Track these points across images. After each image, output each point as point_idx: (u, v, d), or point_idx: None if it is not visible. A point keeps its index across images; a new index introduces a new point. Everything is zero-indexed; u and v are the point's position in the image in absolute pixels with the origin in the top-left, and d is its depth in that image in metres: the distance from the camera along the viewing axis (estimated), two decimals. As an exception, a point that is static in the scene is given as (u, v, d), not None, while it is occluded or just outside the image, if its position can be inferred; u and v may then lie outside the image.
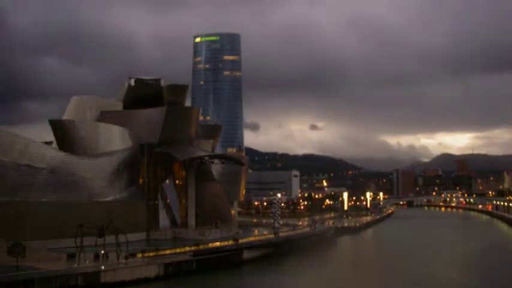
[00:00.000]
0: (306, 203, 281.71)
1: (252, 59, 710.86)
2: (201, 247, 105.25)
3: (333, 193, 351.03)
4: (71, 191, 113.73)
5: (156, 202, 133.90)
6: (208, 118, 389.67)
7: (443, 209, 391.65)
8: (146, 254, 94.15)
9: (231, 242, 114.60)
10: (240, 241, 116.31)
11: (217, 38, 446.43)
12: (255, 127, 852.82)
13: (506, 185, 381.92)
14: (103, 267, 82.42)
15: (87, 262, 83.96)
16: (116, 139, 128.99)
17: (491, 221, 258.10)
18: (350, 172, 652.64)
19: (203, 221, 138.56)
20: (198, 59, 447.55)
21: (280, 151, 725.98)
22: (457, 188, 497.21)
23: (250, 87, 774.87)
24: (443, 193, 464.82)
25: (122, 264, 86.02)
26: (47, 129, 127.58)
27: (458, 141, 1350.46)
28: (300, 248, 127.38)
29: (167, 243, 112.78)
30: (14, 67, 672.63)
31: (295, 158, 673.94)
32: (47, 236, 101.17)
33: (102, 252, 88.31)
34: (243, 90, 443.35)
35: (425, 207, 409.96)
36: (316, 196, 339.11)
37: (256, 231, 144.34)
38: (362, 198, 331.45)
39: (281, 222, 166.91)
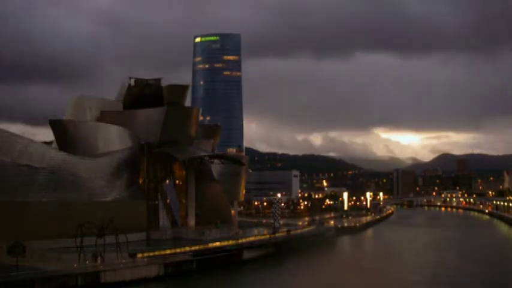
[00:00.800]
0: (306, 203, 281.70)
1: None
2: (201, 247, 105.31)
3: (333, 193, 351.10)
4: (71, 191, 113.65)
5: (156, 202, 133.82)
6: (208, 118, 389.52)
7: (443, 209, 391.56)
8: (146, 254, 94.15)
9: (231, 242, 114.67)
10: (240, 241, 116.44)
11: (217, 38, 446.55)
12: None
13: (506, 185, 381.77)
14: (102, 267, 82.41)
15: (87, 262, 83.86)
16: (115, 139, 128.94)
17: (491, 221, 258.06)
18: (350, 172, 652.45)
19: (203, 221, 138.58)
20: (198, 59, 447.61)
21: (280, 151, 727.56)
22: (457, 188, 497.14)
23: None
24: (443, 193, 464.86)
25: (121, 264, 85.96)
26: None
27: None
28: (300, 248, 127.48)
29: (167, 243, 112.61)
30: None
31: (295, 158, 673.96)
32: (47, 236, 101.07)
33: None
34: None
35: (425, 207, 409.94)
36: (316, 196, 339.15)
37: (256, 231, 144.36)
38: (362, 198, 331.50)
39: (281, 222, 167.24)
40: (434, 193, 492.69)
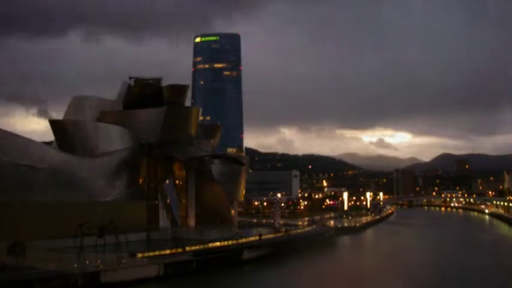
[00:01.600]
0: (306, 203, 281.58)
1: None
2: (201, 247, 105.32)
3: (333, 193, 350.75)
4: (71, 191, 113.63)
5: (156, 202, 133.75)
6: (208, 118, 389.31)
7: (443, 209, 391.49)
8: (146, 254, 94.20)
9: (231, 242, 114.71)
10: (240, 241, 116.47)
11: (217, 38, 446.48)
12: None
13: (506, 185, 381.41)
14: (102, 267, 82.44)
15: (87, 262, 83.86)
16: (115, 139, 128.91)
17: (491, 221, 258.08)
18: (350, 172, 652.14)
19: (203, 221, 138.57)
20: (198, 59, 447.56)
21: (280, 151, 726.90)
22: (457, 188, 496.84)
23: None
24: (443, 193, 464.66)
25: (121, 264, 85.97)
26: None
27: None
28: (300, 248, 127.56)
29: (167, 243, 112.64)
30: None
31: (295, 158, 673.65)
32: (47, 236, 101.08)
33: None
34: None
35: (425, 207, 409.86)
36: (316, 196, 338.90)
37: (256, 231, 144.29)
38: (362, 198, 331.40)
39: (281, 222, 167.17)
40: (434, 193, 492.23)
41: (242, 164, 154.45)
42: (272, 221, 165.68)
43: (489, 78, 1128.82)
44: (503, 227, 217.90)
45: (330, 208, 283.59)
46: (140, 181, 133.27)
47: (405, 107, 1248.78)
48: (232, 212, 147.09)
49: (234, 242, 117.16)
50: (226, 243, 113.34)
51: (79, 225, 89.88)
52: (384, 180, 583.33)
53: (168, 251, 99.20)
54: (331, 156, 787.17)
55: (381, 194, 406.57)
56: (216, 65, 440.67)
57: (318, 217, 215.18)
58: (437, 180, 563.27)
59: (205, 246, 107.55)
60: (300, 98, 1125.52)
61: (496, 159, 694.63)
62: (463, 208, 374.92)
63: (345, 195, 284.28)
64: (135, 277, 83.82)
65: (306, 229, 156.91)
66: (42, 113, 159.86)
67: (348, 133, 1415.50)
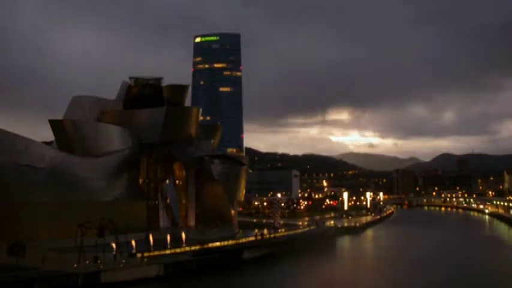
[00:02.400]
0: (306, 203, 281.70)
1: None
2: (201, 247, 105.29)
3: (332, 193, 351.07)
4: (71, 191, 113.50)
5: (156, 202, 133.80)
6: (208, 118, 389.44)
7: (443, 209, 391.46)
8: (146, 254, 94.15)
9: (231, 242, 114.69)
10: (240, 241, 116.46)
11: (217, 38, 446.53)
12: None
13: (506, 185, 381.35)
14: (102, 267, 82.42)
15: (87, 262, 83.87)
16: (115, 139, 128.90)
17: (491, 221, 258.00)
18: (350, 172, 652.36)
19: (203, 221, 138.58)
20: (198, 59, 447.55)
21: (280, 151, 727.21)
22: (457, 188, 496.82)
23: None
24: (443, 193, 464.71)
25: (121, 264, 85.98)
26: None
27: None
28: (300, 248, 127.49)
29: (167, 243, 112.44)
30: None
31: (295, 158, 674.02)
32: (47, 236, 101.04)
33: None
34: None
35: (425, 207, 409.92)
36: (316, 196, 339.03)
37: (255, 231, 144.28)
38: (362, 198, 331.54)
39: (281, 222, 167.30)
40: (434, 193, 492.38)
41: (242, 164, 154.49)
42: (272, 221, 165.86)
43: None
44: (503, 227, 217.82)
45: (330, 208, 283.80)
46: (140, 181, 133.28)
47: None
48: (232, 212, 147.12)
49: (234, 242, 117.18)
50: (226, 243, 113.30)
51: (79, 225, 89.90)
52: (384, 180, 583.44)
53: (168, 251, 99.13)
54: (331, 156, 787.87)
55: (381, 194, 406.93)
56: (216, 65, 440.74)
57: (318, 217, 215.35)
58: (437, 180, 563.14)
59: (205, 246, 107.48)
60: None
61: (496, 159, 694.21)
62: (463, 208, 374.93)
63: (345, 195, 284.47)
64: (135, 277, 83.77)
65: (306, 229, 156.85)
66: None
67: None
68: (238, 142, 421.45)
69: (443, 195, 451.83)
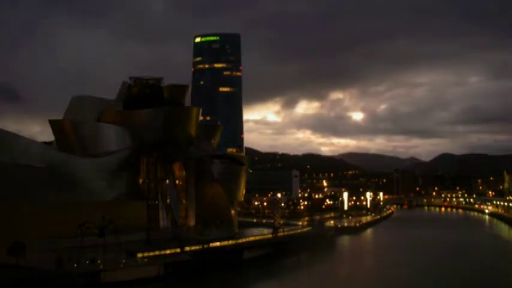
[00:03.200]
0: (306, 203, 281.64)
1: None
2: (201, 247, 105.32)
3: (332, 193, 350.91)
4: (71, 191, 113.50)
5: (156, 202, 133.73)
6: (208, 118, 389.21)
7: (443, 209, 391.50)
8: (146, 254, 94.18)
9: (231, 242, 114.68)
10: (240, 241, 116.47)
11: (217, 38, 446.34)
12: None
13: (506, 185, 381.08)
14: (102, 267, 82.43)
15: (87, 262, 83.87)
16: (115, 139, 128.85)
17: (491, 220, 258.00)
18: (350, 172, 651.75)
19: (203, 221, 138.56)
20: (198, 59, 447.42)
21: (280, 151, 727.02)
22: (457, 188, 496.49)
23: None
24: (443, 193, 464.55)
25: (121, 264, 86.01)
26: None
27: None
28: (300, 248, 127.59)
29: (167, 243, 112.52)
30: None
31: (295, 158, 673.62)
32: (47, 236, 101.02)
33: None
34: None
35: (425, 208, 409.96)
36: (316, 196, 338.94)
37: (255, 231, 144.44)
38: (362, 198, 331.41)
39: (281, 222, 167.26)
40: (434, 193, 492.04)
41: (242, 164, 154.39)
42: (272, 221, 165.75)
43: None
44: (503, 227, 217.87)
45: (330, 208, 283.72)
46: (140, 181, 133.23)
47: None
48: (232, 212, 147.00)
49: (234, 242, 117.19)
50: (226, 243, 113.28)
51: (79, 225, 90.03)
52: (384, 180, 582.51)
53: (168, 251, 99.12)
54: (331, 156, 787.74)
55: (381, 194, 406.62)
56: (216, 65, 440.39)
57: (318, 217, 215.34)
58: (437, 180, 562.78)
59: (205, 246, 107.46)
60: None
61: (496, 159, 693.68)
62: (463, 208, 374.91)
63: (345, 195, 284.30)
64: (135, 277, 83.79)
65: (306, 229, 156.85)
66: None
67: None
68: (238, 142, 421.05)
69: (443, 195, 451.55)
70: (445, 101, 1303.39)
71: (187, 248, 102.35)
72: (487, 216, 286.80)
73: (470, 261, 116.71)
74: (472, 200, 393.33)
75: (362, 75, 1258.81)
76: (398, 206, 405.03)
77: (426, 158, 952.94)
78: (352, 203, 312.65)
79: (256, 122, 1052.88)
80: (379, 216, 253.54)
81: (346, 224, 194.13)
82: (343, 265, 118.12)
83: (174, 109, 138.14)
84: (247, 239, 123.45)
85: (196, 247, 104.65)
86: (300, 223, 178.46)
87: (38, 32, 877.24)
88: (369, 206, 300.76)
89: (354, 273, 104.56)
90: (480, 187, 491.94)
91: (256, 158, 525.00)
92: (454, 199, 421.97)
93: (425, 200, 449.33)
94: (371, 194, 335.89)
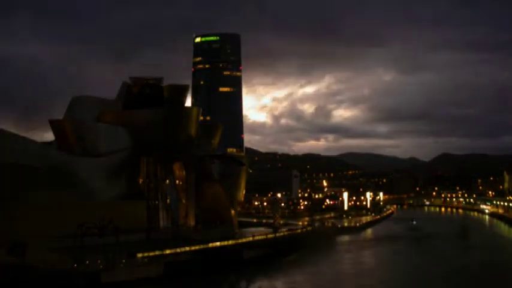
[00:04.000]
0: (306, 203, 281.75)
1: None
2: (201, 247, 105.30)
3: (332, 193, 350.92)
4: (71, 191, 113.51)
5: (156, 202, 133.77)
6: (208, 118, 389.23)
7: (443, 209, 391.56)
8: (146, 254, 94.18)
9: (231, 242, 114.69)
10: (240, 241, 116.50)
11: (217, 38, 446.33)
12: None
13: (506, 185, 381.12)
14: (102, 267, 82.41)
15: (87, 262, 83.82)
16: (115, 139, 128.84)
17: (491, 220, 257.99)
18: (350, 172, 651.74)
19: (203, 221, 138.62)
20: (198, 59, 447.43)
21: (280, 151, 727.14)
22: (457, 188, 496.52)
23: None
24: (443, 193, 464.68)
25: (122, 264, 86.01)
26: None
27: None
28: (301, 248, 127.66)
29: (167, 243, 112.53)
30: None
31: (295, 158, 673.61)
32: (47, 236, 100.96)
33: None
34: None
35: (425, 208, 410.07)
36: (316, 196, 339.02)
37: (255, 231, 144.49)
38: (362, 198, 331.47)
39: (281, 222, 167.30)
40: (434, 193, 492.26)
41: (242, 164, 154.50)
42: (272, 221, 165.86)
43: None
44: (503, 227, 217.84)
45: (330, 208, 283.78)
46: (140, 181, 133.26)
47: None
48: (232, 212, 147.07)
49: (234, 241, 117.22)
50: (226, 243, 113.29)
51: (79, 225, 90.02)
52: (384, 180, 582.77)
53: (168, 251, 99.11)
54: (331, 156, 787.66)
55: (381, 194, 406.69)
56: (216, 65, 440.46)
57: (318, 217, 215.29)
58: (437, 180, 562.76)
59: (205, 246, 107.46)
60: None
61: (496, 159, 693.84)
62: (463, 208, 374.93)
63: (345, 195, 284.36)
64: (135, 277, 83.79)
65: (305, 229, 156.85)
66: None
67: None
68: (238, 142, 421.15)
69: (443, 195, 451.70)
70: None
71: (187, 248, 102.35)
72: (487, 216, 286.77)
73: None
74: (472, 200, 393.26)
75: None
76: (398, 206, 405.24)
77: (426, 158, 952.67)
78: (352, 203, 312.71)
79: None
80: (379, 216, 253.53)
81: (346, 224, 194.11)
82: (343, 265, 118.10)
83: (174, 109, 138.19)
84: (247, 239, 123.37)
85: (196, 247, 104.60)
86: (300, 223, 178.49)
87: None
88: (368, 206, 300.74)
89: (353, 272, 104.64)
90: (480, 187, 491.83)
91: (256, 158, 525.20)
92: (454, 199, 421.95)
93: (425, 200, 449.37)
94: (371, 194, 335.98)
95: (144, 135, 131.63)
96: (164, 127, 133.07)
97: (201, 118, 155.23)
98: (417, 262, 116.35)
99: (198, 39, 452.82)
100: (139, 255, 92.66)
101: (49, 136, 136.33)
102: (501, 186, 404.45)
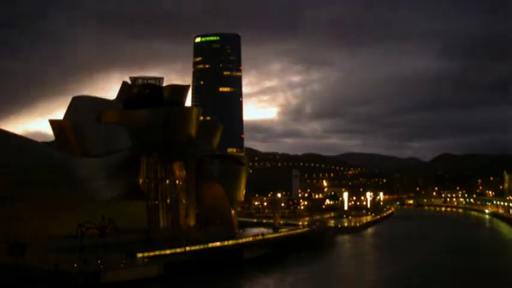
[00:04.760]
0: (306, 203, 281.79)
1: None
2: (201, 247, 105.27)
3: (332, 193, 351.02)
4: (71, 191, 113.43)
5: (156, 202, 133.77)
6: (208, 118, 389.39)
7: (443, 209, 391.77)
8: (146, 254, 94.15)
9: (231, 242, 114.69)
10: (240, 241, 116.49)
11: (217, 38, 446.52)
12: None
13: (506, 185, 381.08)
14: (102, 267, 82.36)
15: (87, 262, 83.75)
16: (115, 139, 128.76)
17: (492, 220, 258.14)
18: (350, 172, 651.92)
19: (203, 221, 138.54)
20: (198, 59, 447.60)
21: (280, 151, 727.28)
22: (457, 188, 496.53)
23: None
24: (443, 193, 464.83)
25: (122, 264, 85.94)
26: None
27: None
28: (301, 248, 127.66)
29: (167, 243, 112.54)
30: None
31: (295, 158, 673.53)
32: (47, 236, 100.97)
33: None
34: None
35: (425, 207, 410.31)
36: (316, 196, 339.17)
37: (255, 231, 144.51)
38: (362, 198, 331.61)
39: (281, 222, 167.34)
40: (434, 193, 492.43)
41: (242, 164, 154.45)
42: (272, 221, 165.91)
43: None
44: (504, 227, 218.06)
45: (330, 208, 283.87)
46: (140, 181, 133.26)
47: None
48: (233, 212, 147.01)
49: (234, 242, 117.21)
50: (226, 243, 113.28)
51: (79, 225, 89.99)
52: (384, 180, 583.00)
53: (168, 251, 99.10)
54: (331, 156, 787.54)
55: (381, 194, 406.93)
56: (216, 65, 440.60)
57: (318, 217, 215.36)
58: (437, 180, 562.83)
59: (205, 246, 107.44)
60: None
61: (496, 159, 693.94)
62: (464, 208, 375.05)
63: (345, 195, 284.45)
64: (135, 277, 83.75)
65: (306, 229, 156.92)
66: None
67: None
68: (238, 142, 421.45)
69: (443, 195, 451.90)
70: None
71: (187, 248, 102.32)
72: (487, 216, 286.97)
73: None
74: (472, 200, 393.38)
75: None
76: (399, 206, 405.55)
77: (426, 158, 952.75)
78: (352, 203, 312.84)
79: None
80: (379, 216, 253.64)
81: (346, 224, 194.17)
82: (343, 264, 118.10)
83: (174, 109, 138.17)
84: (247, 239, 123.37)
85: (197, 247, 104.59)
86: (300, 223, 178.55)
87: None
88: (369, 206, 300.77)
89: (351, 272, 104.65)
90: (480, 187, 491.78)
91: (256, 158, 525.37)
92: (454, 199, 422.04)
93: (425, 200, 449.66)
94: (371, 194, 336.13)
95: (144, 135, 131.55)
96: (164, 127, 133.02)
97: (201, 118, 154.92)
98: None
99: (198, 39, 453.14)
100: (139, 255, 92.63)
101: (49, 136, 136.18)
102: (501, 186, 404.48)
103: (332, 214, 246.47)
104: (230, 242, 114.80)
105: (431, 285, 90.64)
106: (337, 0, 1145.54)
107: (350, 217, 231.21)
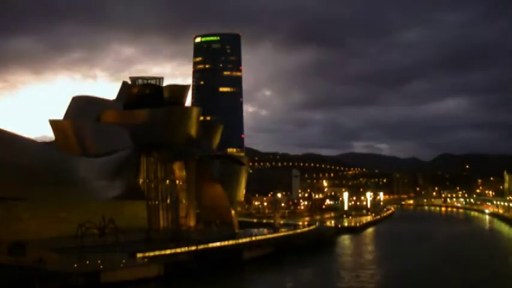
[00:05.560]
0: (306, 203, 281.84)
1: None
2: (201, 247, 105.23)
3: (332, 193, 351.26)
4: (71, 190, 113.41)
5: (156, 202, 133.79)
6: (208, 118, 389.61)
7: (443, 209, 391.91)
8: (146, 254, 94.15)
9: (231, 242, 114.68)
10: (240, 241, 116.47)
11: (217, 38, 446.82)
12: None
13: (506, 185, 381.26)
14: (102, 267, 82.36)
15: (87, 262, 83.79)
16: (115, 139, 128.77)
17: (492, 220, 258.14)
18: (350, 172, 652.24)
19: (203, 221, 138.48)
20: (198, 59, 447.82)
21: (280, 151, 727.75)
22: (457, 188, 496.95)
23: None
24: (443, 193, 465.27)
25: (122, 264, 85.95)
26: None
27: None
28: (301, 247, 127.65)
29: (167, 243, 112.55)
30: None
31: (295, 157, 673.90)
32: (47, 236, 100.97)
33: None
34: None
35: (426, 207, 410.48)
36: (316, 196, 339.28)
37: (255, 231, 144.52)
38: (362, 198, 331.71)
39: (281, 222, 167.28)
40: (434, 193, 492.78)
41: (242, 164, 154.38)
42: (272, 221, 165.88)
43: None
44: (503, 226, 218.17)
45: (330, 208, 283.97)
46: (140, 181, 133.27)
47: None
48: (233, 212, 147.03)
49: (234, 242, 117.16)
50: (226, 243, 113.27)
51: (79, 225, 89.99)
52: (384, 180, 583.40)
53: (168, 251, 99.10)
54: (331, 156, 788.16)
55: (381, 194, 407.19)
56: (216, 65, 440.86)
57: (318, 217, 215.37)
58: (437, 180, 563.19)
59: (205, 246, 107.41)
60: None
61: (496, 159, 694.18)
62: (464, 208, 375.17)
63: (345, 195, 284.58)
64: (135, 277, 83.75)
65: (306, 229, 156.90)
66: None
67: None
68: (238, 142, 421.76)
69: (443, 195, 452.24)
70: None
71: (187, 248, 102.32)
72: (487, 216, 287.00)
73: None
74: (472, 200, 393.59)
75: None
76: (399, 206, 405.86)
77: (426, 158, 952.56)
78: (352, 203, 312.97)
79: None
80: (379, 216, 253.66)
81: (346, 224, 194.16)
82: (343, 264, 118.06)
83: (174, 109, 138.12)
84: (247, 239, 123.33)
85: (197, 247, 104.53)
86: (300, 223, 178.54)
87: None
88: (369, 206, 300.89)
89: (351, 272, 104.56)
90: (480, 187, 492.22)
91: (256, 158, 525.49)
92: (454, 199, 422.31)
93: (425, 200, 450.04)
94: (371, 194, 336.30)
95: (144, 135, 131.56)
96: (164, 127, 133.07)
97: (201, 118, 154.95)
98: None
99: (198, 39, 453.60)
100: (140, 255, 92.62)
101: (49, 136, 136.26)
102: (501, 186, 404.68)
103: (332, 214, 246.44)
104: (230, 242, 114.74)
105: (431, 285, 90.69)
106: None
107: (350, 217, 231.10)
